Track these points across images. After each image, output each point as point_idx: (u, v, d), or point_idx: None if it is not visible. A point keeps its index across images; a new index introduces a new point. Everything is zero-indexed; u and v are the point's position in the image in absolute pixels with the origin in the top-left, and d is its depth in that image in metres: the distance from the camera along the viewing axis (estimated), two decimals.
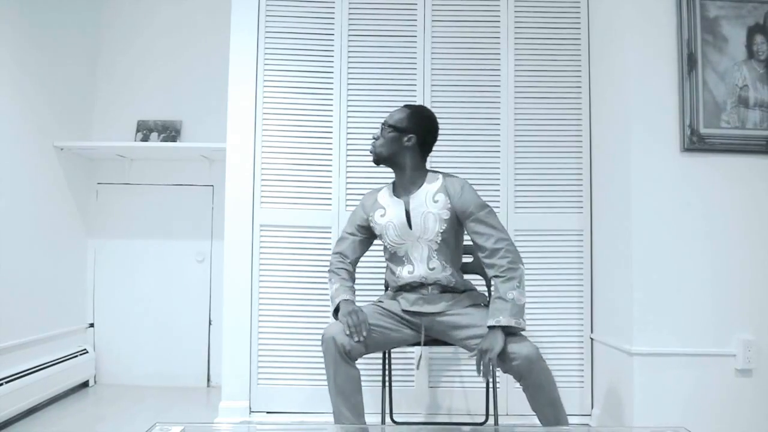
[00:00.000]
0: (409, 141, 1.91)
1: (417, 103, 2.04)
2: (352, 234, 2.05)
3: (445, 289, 1.92)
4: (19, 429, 2.38)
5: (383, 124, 1.96)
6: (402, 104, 2.01)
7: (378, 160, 1.97)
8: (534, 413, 1.78)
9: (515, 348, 1.69)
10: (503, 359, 1.71)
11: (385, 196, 2.00)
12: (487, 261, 1.83)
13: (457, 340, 1.90)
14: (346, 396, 1.78)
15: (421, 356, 2.08)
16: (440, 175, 1.95)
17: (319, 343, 1.82)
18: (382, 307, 1.95)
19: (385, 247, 2.01)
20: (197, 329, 3.14)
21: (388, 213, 1.95)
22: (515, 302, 1.74)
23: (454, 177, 1.96)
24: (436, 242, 1.89)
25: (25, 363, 2.53)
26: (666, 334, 2.10)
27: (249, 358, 2.50)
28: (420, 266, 1.90)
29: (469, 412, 2.51)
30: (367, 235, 2.05)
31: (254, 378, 2.51)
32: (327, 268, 2.07)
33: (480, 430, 2.37)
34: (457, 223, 1.91)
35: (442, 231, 1.88)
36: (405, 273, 1.92)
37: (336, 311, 1.91)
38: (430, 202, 1.89)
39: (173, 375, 3.10)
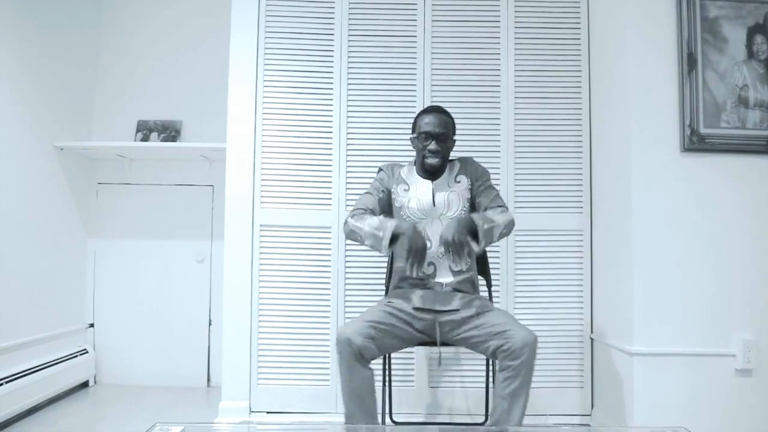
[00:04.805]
0: (454, 141, 2.08)
1: (434, 104, 2.17)
2: (372, 195, 2.07)
3: (456, 288, 1.94)
4: (19, 429, 2.38)
5: (440, 134, 1.98)
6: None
7: (441, 168, 2.03)
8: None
9: (514, 332, 1.73)
10: (499, 337, 1.75)
11: (409, 175, 2.09)
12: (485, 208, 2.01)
13: (465, 339, 1.88)
14: (361, 399, 1.75)
15: (440, 354, 2.03)
16: (455, 161, 2.10)
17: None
18: (393, 307, 1.91)
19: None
20: (197, 329, 3.13)
21: (413, 189, 2.04)
22: (485, 214, 1.90)
23: (465, 158, 2.12)
24: None
25: (25, 363, 2.53)
26: (666, 334, 2.10)
27: (249, 358, 2.50)
28: (438, 242, 1.94)
29: (469, 412, 2.51)
30: (386, 203, 2.08)
31: (254, 378, 2.51)
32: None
33: (480, 430, 2.37)
34: (473, 203, 2.06)
35: (465, 209, 2.00)
36: None
37: (392, 240, 1.84)
38: (452, 183, 2.04)
39: (173, 375, 3.09)
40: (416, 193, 2.02)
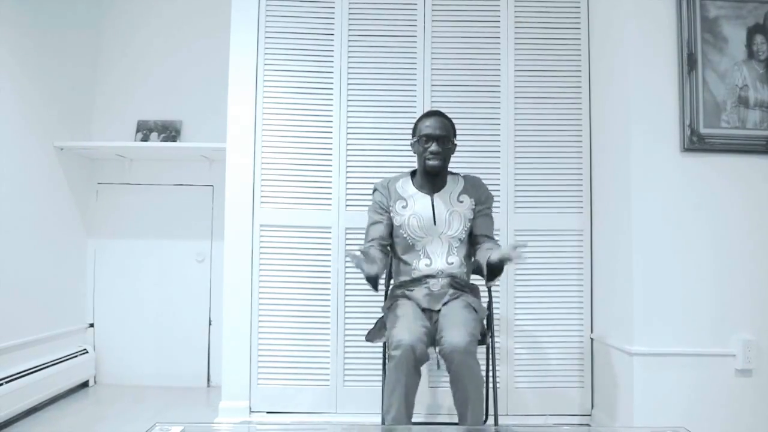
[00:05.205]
0: (455, 145, 2.06)
1: (434, 109, 2.21)
2: (378, 222, 2.03)
3: (452, 285, 1.94)
4: (19, 429, 2.38)
5: (441, 136, 1.97)
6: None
7: (442, 170, 2.01)
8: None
9: (447, 335, 1.72)
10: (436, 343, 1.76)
11: (407, 189, 2.05)
12: (480, 240, 2.01)
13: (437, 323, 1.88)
14: (408, 402, 1.75)
15: (438, 356, 2.03)
16: (459, 177, 2.08)
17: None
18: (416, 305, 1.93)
19: (396, 240, 2.03)
20: (197, 329, 3.13)
21: (411, 205, 2.01)
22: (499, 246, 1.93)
23: (473, 177, 2.12)
24: (459, 239, 1.99)
25: (25, 363, 2.53)
26: (666, 334, 2.10)
27: (249, 358, 2.50)
28: (438, 260, 1.97)
29: None
30: (391, 220, 2.04)
31: (254, 378, 2.51)
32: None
33: (480, 430, 2.36)
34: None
35: (466, 229, 2.00)
36: (422, 265, 1.97)
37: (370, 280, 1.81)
38: (455, 202, 2.02)
39: (173, 375, 3.09)
40: (415, 209, 2.00)
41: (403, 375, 1.70)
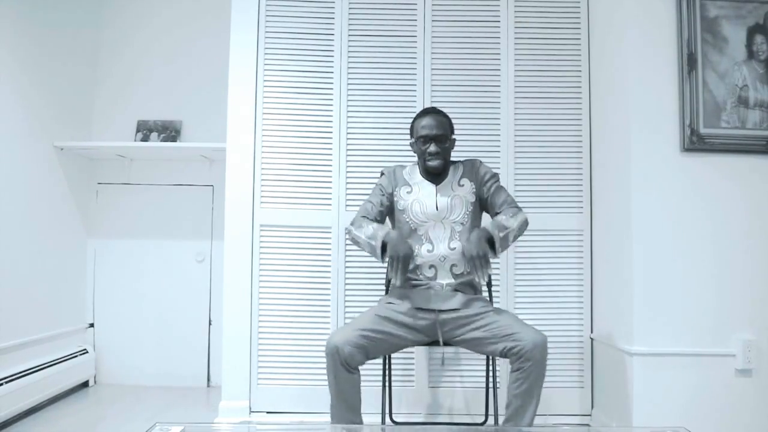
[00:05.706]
0: (454, 141, 2.08)
1: (429, 106, 2.26)
2: (373, 203, 2.06)
3: (456, 288, 1.94)
4: (19, 429, 2.38)
5: (438, 136, 1.98)
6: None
7: (443, 167, 2.03)
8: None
9: (524, 334, 1.76)
10: (508, 340, 1.78)
11: (412, 176, 2.08)
12: (498, 210, 2.01)
13: (469, 340, 1.90)
14: (345, 398, 1.85)
15: (444, 354, 2.05)
16: (459, 163, 2.10)
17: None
18: (390, 310, 1.93)
19: (398, 225, 2.05)
20: (197, 329, 3.13)
21: (416, 191, 2.04)
22: (499, 222, 1.91)
23: (472, 160, 2.12)
24: (461, 224, 1.99)
25: (25, 363, 2.53)
26: (666, 334, 2.10)
27: (249, 358, 2.50)
28: (441, 245, 1.96)
29: (469, 412, 2.51)
30: (387, 209, 2.08)
31: (254, 378, 2.51)
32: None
33: (480, 430, 2.37)
34: (478, 207, 2.05)
35: (468, 212, 2.00)
36: (424, 251, 1.97)
37: (383, 249, 1.89)
38: (456, 186, 2.03)
39: (173, 375, 3.09)
40: (419, 195, 2.02)
41: (330, 373, 1.82)
